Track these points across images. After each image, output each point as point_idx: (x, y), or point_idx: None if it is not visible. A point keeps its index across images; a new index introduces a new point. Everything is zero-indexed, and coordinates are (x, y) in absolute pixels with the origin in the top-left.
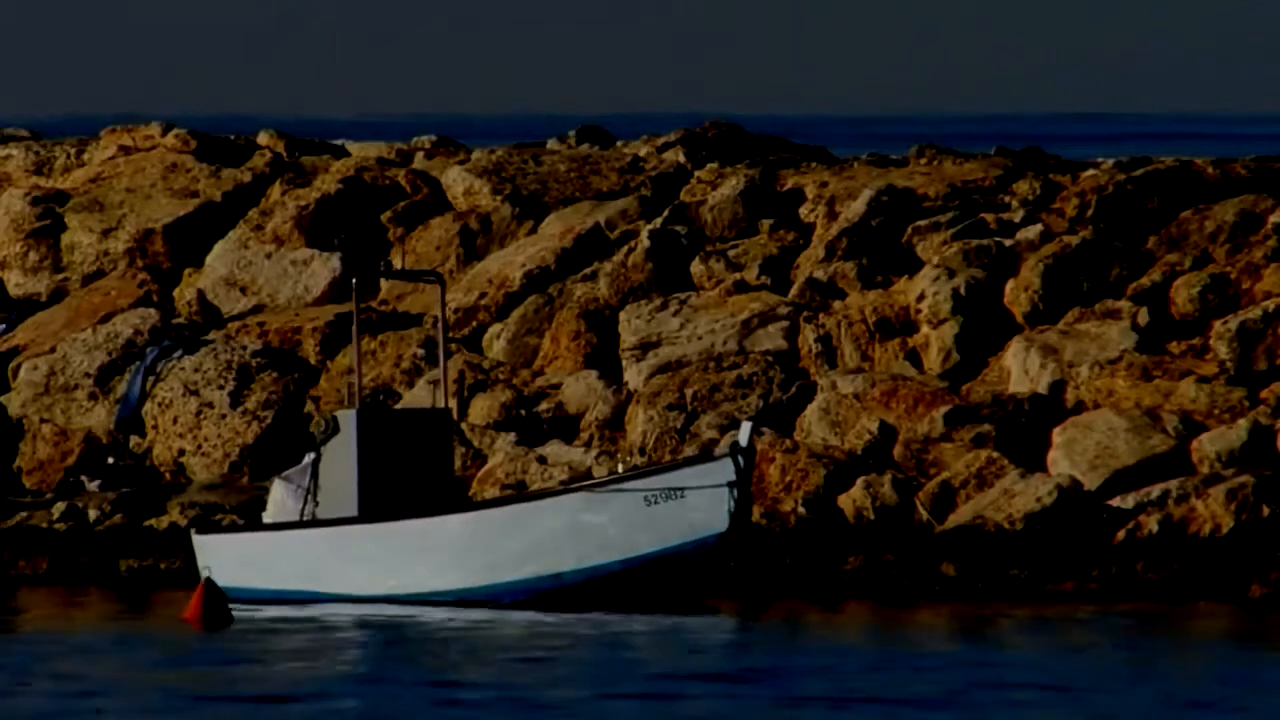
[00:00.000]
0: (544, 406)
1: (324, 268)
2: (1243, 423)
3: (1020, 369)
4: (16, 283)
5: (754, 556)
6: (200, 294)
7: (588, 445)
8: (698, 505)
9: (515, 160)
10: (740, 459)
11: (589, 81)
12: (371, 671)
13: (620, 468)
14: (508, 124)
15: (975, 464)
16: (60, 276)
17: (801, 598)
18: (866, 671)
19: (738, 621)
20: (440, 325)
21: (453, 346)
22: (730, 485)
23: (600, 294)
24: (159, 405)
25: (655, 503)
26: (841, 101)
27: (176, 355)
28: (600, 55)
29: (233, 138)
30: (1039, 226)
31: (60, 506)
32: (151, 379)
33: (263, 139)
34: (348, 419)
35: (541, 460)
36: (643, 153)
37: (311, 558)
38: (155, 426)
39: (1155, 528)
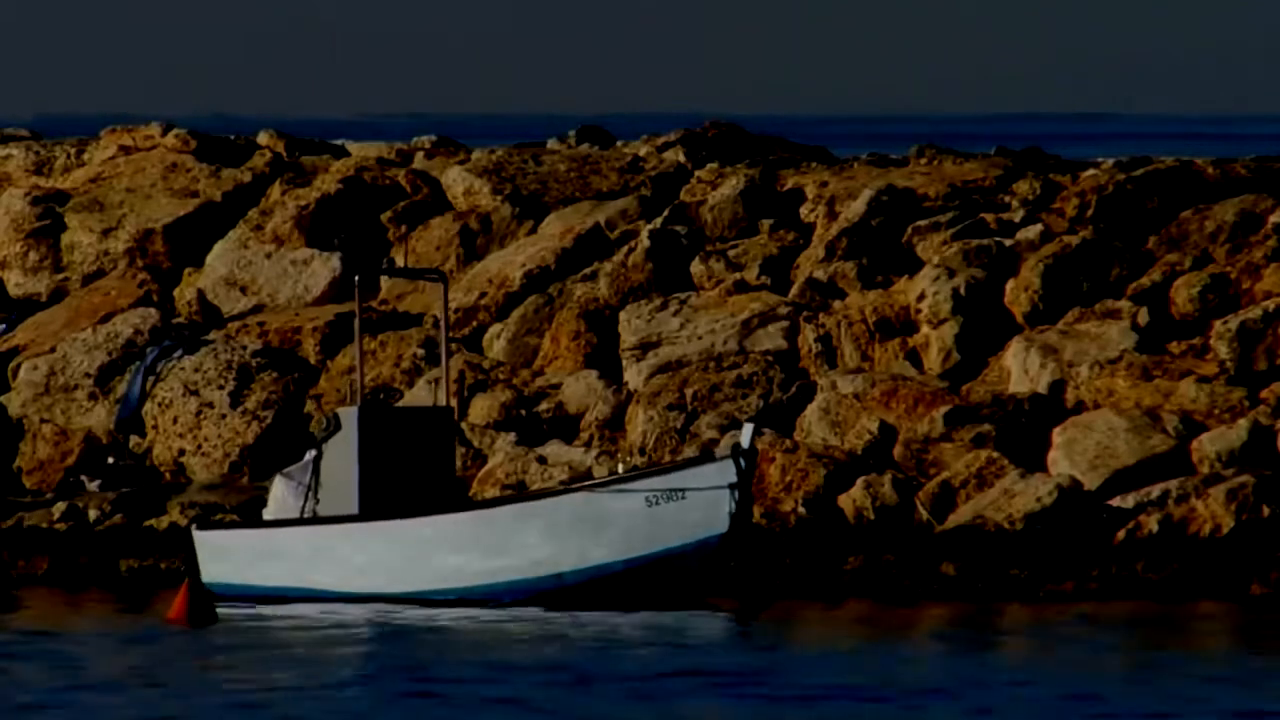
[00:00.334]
0: (544, 406)
1: (324, 268)
2: (1243, 423)
3: (1020, 369)
4: (16, 283)
5: (754, 556)
6: (200, 294)
7: (588, 445)
8: (699, 506)
9: (515, 160)
10: (742, 460)
11: (589, 81)
12: (365, 670)
13: (620, 468)
14: (508, 124)
15: (975, 464)
16: (60, 276)
17: (801, 597)
18: (866, 671)
19: (737, 621)
20: (443, 324)
21: (453, 346)
22: (731, 487)
23: (600, 294)
24: (159, 405)
25: (657, 504)
26: (841, 101)
27: (176, 355)
28: (600, 55)
29: (233, 138)
30: (1039, 226)
31: (60, 506)
32: (151, 379)
33: (263, 139)
34: (349, 416)
35: (541, 460)
36: (643, 153)
37: (311, 555)
38: (155, 426)
39: (1155, 528)
